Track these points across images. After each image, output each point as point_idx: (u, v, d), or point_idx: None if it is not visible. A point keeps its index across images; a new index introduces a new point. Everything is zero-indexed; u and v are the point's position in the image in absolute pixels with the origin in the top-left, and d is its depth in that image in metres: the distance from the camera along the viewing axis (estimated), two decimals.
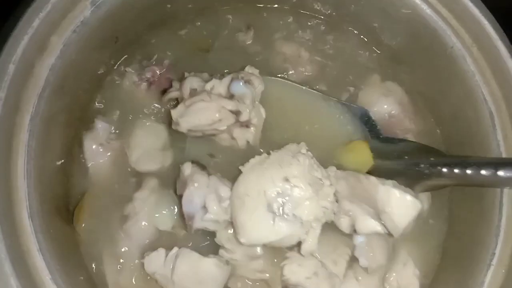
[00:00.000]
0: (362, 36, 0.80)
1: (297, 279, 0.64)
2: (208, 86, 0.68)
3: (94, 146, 0.69)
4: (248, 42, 0.78)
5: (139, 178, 0.70)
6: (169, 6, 0.74)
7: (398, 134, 0.75)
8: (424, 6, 0.68)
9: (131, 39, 0.75)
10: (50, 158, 0.63)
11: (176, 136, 0.70)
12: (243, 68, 0.71)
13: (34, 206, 0.56)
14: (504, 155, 0.64)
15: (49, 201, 0.60)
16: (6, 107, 0.56)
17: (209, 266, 0.63)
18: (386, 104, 0.75)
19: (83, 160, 0.70)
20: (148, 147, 0.71)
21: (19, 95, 0.58)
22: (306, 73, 0.77)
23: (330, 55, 0.79)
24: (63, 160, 0.67)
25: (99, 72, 0.73)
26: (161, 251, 0.63)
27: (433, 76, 0.74)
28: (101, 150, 0.69)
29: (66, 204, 0.67)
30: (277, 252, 0.66)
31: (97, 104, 0.73)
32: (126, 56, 0.76)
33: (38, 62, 0.59)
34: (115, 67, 0.75)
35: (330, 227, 0.65)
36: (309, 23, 0.80)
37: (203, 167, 0.67)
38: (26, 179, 0.56)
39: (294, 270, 0.65)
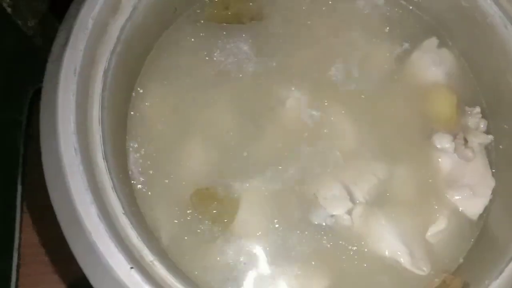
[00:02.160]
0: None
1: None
2: None
3: None
4: None
5: None
6: None
7: None
8: None
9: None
10: (119, 108, 0.67)
11: None
12: None
13: (107, 150, 0.61)
14: None
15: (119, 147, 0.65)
16: (85, 58, 0.60)
17: None
18: (433, 74, 0.78)
19: None
20: None
21: (95, 48, 0.63)
22: None
23: None
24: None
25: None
26: None
27: (476, 47, 0.77)
28: None
29: None
30: None
31: None
32: None
33: (111, 21, 0.65)
34: None
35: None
36: None
37: None
38: (100, 124, 0.61)
39: None
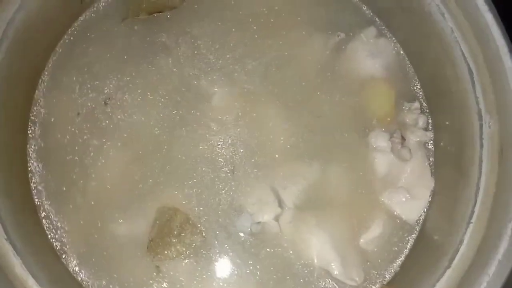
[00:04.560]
0: None
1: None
2: None
3: None
4: None
5: None
6: None
7: None
8: None
9: None
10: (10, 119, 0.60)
11: None
12: None
13: None
14: (483, 111, 0.62)
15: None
16: None
17: None
18: (370, 67, 0.72)
19: None
20: None
21: None
22: None
23: None
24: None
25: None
26: None
27: (414, 38, 0.72)
28: None
29: None
30: None
31: None
32: None
33: None
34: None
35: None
36: None
37: None
38: None
39: None
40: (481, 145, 0.61)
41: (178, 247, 0.64)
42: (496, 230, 0.56)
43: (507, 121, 0.58)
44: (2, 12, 0.57)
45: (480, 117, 0.62)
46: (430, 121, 0.72)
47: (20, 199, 0.61)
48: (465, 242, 0.59)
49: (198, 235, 0.65)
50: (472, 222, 0.59)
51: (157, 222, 0.64)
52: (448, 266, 0.60)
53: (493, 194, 0.59)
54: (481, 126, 0.62)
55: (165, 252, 0.63)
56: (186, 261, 0.64)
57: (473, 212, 0.59)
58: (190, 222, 0.65)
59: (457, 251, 0.60)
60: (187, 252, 0.64)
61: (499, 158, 0.59)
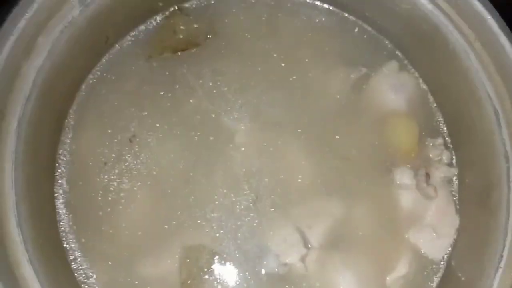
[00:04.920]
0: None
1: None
2: None
3: None
4: None
5: None
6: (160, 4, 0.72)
7: None
8: (425, 1, 0.66)
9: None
10: (37, 164, 0.60)
11: None
12: None
13: (22, 215, 0.54)
14: (510, 154, 0.62)
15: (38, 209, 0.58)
16: None
17: None
18: (393, 101, 0.72)
19: None
20: None
21: (6, 98, 0.55)
22: None
23: None
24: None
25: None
26: None
27: (437, 74, 0.71)
28: None
29: None
30: None
31: None
32: None
33: (25, 64, 0.57)
34: None
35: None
36: None
37: None
38: (13, 187, 0.54)
39: None
40: (509, 188, 0.61)
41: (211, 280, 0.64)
42: None
43: None
44: (32, 61, 0.57)
45: (507, 159, 0.62)
46: (454, 157, 0.72)
47: (49, 244, 0.61)
48: (494, 286, 0.59)
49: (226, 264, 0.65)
50: (501, 267, 0.59)
51: (188, 260, 0.64)
52: None
53: None
54: (508, 168, 0.61)
55: None
56: None
57: (501, 256, 0.59)
58: (217, 256, 0.65)
59: None
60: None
61: None
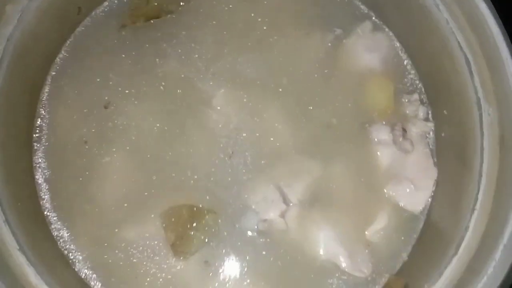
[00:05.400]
0: None
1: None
2: None
3: None
4: None
5: None
6: None
7: None
8: None
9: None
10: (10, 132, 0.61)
11: None
12: None
13: None
14: (482, 100, 0.62)
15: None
16: None
17: None
18: (368, 61, 0.73)
19: None
20: None
21: None
22: None
23: None
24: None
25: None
26: None
27: (410, 31, 0.72)
28: None
29: None
30: None
31: None
32: None
33: None
34: None
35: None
36: None
37: None
38: None
39: None
40: (482, 134, 0.62)
41: (198, 235, 0.65)
42: (500, 215, 0.57)
43: (506, 108, 0.59)
44: (1, 29, 0.58)
45: (479, 106, 0.62)
46: (430, 112, 0.73)
47: (29, 211, 0.61)
48: (470, 229, 0.60)
49: (209, 215, 0.66)
50: (476, 209, 0.60)
51: (172, 219, 0.65)
52: (455, 254, 0.61)
53: (496, 181, 0.60)
54: (480, 115, 0.62)
55: (190, 247, 0.64)
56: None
57: (476, 199, 0.60)
58: (195, 209, 0.66)
59: (462, 238, 0.60)
60: (209, 235, 0.66)
61: (500, 145, 0.60)
